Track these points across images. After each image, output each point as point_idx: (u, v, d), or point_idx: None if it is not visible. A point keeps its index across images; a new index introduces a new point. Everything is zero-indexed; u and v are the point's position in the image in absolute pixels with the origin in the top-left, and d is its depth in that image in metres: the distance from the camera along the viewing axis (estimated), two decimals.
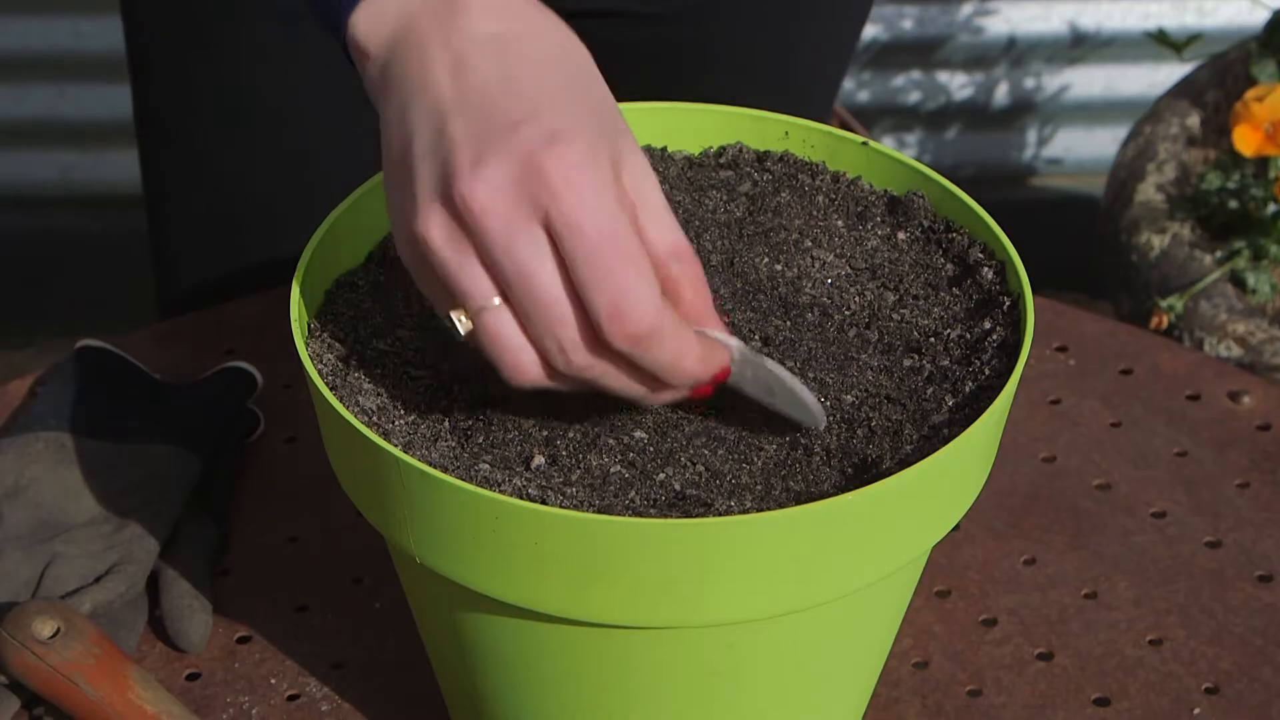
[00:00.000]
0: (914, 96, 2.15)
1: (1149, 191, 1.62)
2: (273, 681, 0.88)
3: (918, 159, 0.92)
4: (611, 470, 0.70)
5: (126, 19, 1.15)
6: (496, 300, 0.65)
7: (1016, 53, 2.14)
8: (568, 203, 0.63)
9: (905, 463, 0.70)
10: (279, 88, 1.11)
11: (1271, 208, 1.52)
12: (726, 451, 0.71)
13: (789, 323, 0.77)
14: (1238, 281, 1.51)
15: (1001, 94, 2.16)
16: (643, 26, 1.10)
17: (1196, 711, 0.86)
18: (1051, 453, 1.00)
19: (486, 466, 0.70)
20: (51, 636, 0.82)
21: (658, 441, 0.72)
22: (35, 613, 0.83)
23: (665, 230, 0.66)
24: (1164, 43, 1.75)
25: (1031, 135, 2.17)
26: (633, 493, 0.69)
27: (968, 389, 0.73)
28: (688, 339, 0.66)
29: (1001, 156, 2.18)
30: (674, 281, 0.66)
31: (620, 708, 0.74)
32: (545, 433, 0.72)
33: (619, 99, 0.88)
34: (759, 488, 0.70)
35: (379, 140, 0.69)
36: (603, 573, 0.67)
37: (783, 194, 0.84)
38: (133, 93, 1.16)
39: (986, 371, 0.74)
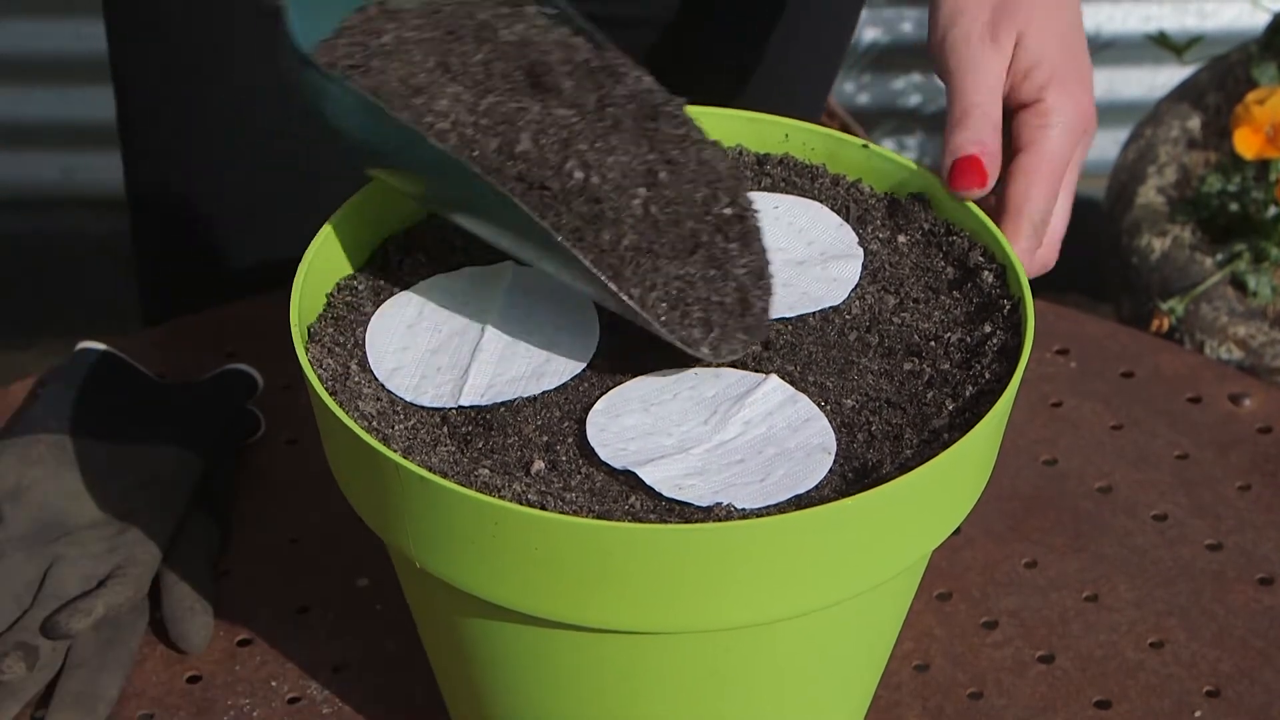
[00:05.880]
0: (914, 99, 2.15)
1: (1150, 194, 1.62)
2: (274, 684, 0.88)
3: (918, 161, 0.91)
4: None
5: (108, 23, 1.14)
6: None
7: None
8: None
9: (906, 467, 0.70)
10: (274, 89, 1.11)
11: (1272, 210, 1.52)
12: None
13: (790, 326, 0.77)
14: (1238, 284, 1.51)
15: None
16: (631, 31, 1.10)
17: (1198, 714, 0.86)
18: (1052, 455, 1.00)
19: (486, 472, 0.70)
20: None
21: None
22: None
23: None
24: (1165, 45, 1.75)
25: None
26: (632, 498, 0.69)
27: (968, 393, 0.73)
28: None
29: None
30: None
31: (620, 711, 0.74)
32: (545, 439, 0.72)
33: None
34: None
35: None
36: (602, 578, 0.67)
37: None
38: (116, 99, 1.16)
39: (987, 375, 0.74)
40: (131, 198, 1.18)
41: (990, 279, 0.78)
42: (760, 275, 0.74)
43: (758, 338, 0.74)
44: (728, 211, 0.74)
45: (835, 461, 0.71)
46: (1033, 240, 0.79)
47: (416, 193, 0.76)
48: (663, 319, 0.71)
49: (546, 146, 0.71)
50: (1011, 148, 0.81)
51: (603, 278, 0.70)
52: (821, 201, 0.83)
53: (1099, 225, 1.69)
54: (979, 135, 0.79)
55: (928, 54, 0.83)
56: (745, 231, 0.74)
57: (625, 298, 0.71)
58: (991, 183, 0.80)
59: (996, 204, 0.81)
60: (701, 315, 0.72)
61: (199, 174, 1.14)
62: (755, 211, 0.75)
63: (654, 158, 0.73)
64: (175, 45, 1.11)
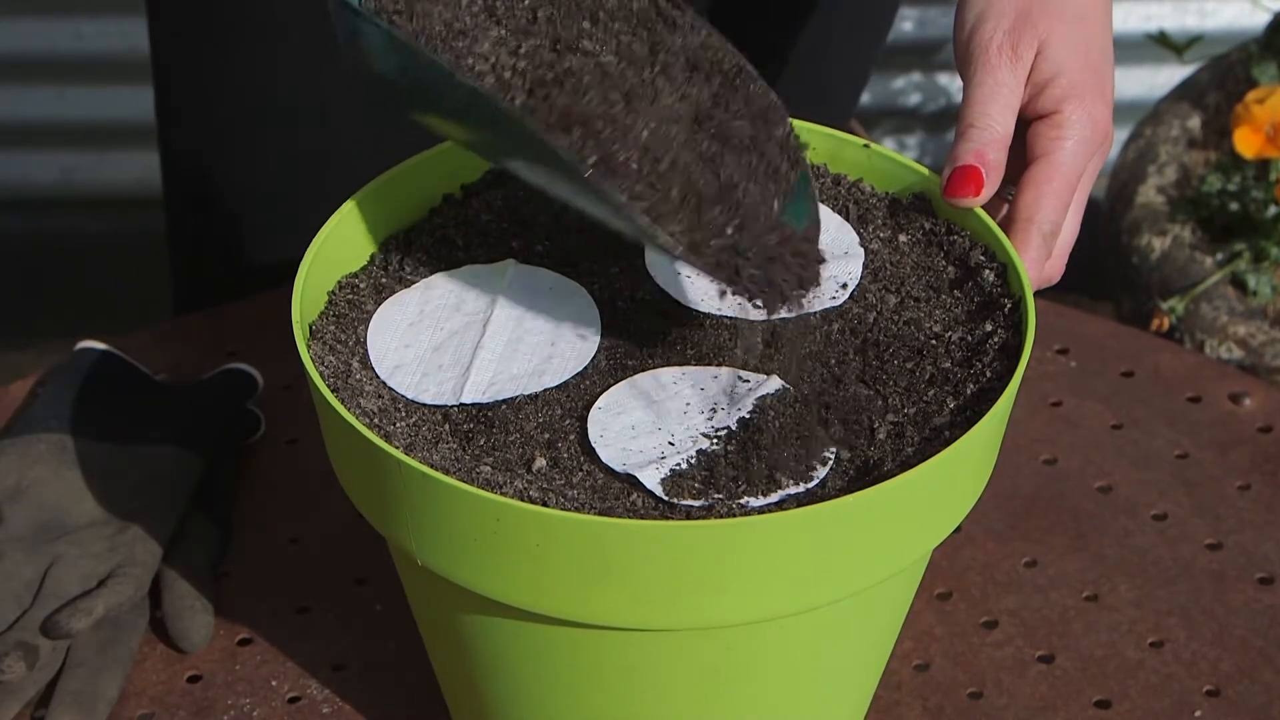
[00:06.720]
0: (914, 98, 2.15)
1: (1150, 193, 1.61)
2: (274, 683, 0.88)
3: (918, 161, 0.92)
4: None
5: (151, 16, 1.15)
6: None
7: None
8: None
9: (907, 465, 0.70)
10: (298, 88, 1.11)
11: (1272, 210, 1.52)
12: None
13: (791, 325, 0.77)
14: (1238, 283, 1.51)
15: None
16: None
17: (1198, 714, 0.86)
18: (1053, 455, 1.00)
19: (488, 469, 0.70)
20: None
21: None
22: None
23: None
24: (1165, 45, 1.75)
25: None
26: (634, 495, 0.69)
27: (969, 391, 0.73)
28: None
29: None
30: None
31: (620, 709, 0.74)
32: (547, 436, 0.72)
33: None
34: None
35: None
36: (603, 575, 0.67)
37: None
38: (154, 90, 1.16)
39: (988, 374, 0.74)
40: (166, 190, 1.19)
41: (991, 278, 0.78)
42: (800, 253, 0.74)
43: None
44: (766, 161, 0.73)
45: (836, 459, 0.71)
46: (1041, 251, 0.79)
47: (457, 136, 0.75)
48: (710, 265, 0.70)
49: (584, 90, 0.71)
50: (1025, 158, 0.81)
51: (635, 217, 0.69)
52: (822, 201, 0.83)
53: (1099, 224, 1.69)
54: (980, 147, 0.79)
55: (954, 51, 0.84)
56: (779, 176, 0.74)
57: (664, 238, 0.70)
58: (988, 194, 0.80)
59: (1007, 213, 0.81)
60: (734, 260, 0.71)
61: (234, 168, 1.14)
62: (797, 158, 0.75)
63: (700, 107, 0.72)
64: (215, 34, 1.11)
